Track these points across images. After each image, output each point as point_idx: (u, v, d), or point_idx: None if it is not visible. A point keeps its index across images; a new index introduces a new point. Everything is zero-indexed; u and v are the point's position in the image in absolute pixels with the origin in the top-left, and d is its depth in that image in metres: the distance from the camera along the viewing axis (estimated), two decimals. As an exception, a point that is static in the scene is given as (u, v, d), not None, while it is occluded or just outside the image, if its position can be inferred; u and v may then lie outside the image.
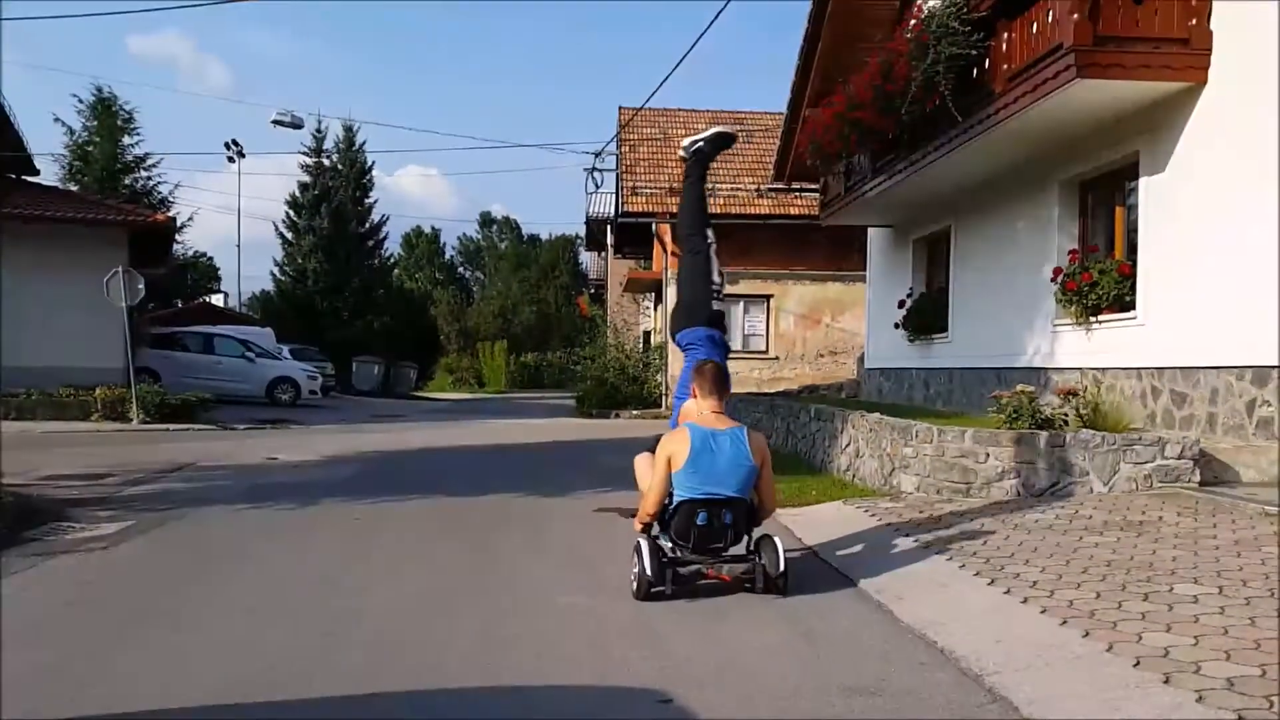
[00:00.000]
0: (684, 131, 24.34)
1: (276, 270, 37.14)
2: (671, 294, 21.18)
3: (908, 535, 5.80)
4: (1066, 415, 7.44)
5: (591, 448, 13.32)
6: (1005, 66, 8.63)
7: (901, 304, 13.61)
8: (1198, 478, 6.84)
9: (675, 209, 21.57)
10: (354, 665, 3.74)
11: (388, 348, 34.07)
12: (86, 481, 9.26)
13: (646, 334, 28.84)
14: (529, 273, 59.35)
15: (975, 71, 9.20)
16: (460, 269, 76.69)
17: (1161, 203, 8.15)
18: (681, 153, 6.02)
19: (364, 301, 35.30)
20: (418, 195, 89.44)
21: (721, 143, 5.97)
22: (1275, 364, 6.85)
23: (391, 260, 43.98)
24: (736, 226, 21.74)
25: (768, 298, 22.16)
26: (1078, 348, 9.29)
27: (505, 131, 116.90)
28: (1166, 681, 3.16)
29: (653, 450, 4.80)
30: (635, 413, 21.02)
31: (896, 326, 13.57)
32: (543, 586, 5.02)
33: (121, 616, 4.52)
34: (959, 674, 3.58)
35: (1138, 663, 3.35)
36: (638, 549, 4.61)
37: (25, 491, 8.07)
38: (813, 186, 16.20)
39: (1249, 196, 7.13)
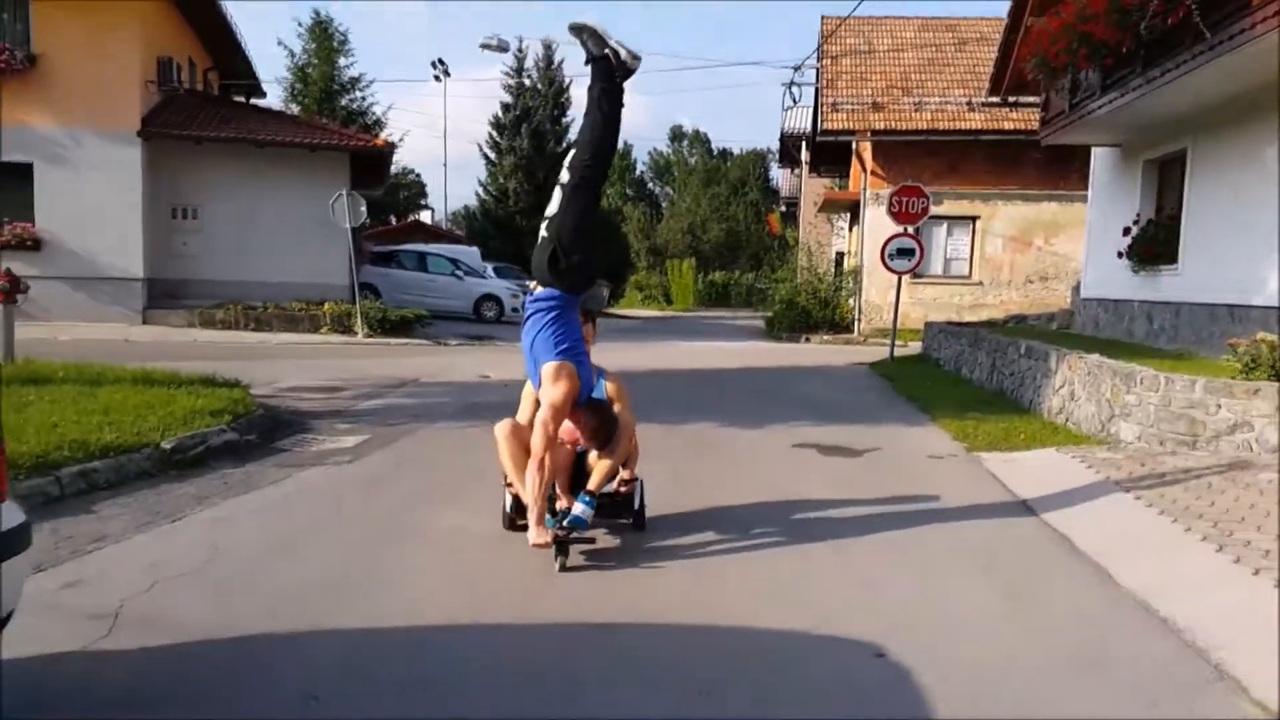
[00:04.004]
0: (890, 44, 23.25)
1: (480, 190, 38.71)
2: (871, 215, 20.58)
3: (1127, 490, 5.58)
4: (1314, 365, 6.81)
5: (783, 375, 13.34)
6: (1266, -28, 7.71)
7: (1127, 231, 12.63)
8: None
9: (879, 125, 20.96)
10: (577, 592, 4.02)
11: (583, 265, 35.00)
12: (323, 394, 10.09)
13: (839, 255, 28.20)
14: (719, 189, 58.77)
15: (1228, -23, 8.28)
16: (649, 185, 77.02)
17: None
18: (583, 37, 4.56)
19: (561, 220, 36.28)
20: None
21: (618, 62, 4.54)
22: None
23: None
24: (943, 143, 20.71)
25: (974, 219, 21.07)
26: (1333, 286, 8.40)
27: (701, 44, 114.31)
28: None
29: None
30: (826, 337, 20.76)
31: (1120, 255, 12.63)
32: (746, 525, 5.10)
33: (372, 533, 4.98)
34: (1182, 646, 3.50)
35: (1391, 654, 3.16)
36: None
37: (271, 403, 8.99)
38: (1031, 100, 15.16)
39: None
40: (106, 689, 3.09)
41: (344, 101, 33.42)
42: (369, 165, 20.70)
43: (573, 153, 4.59)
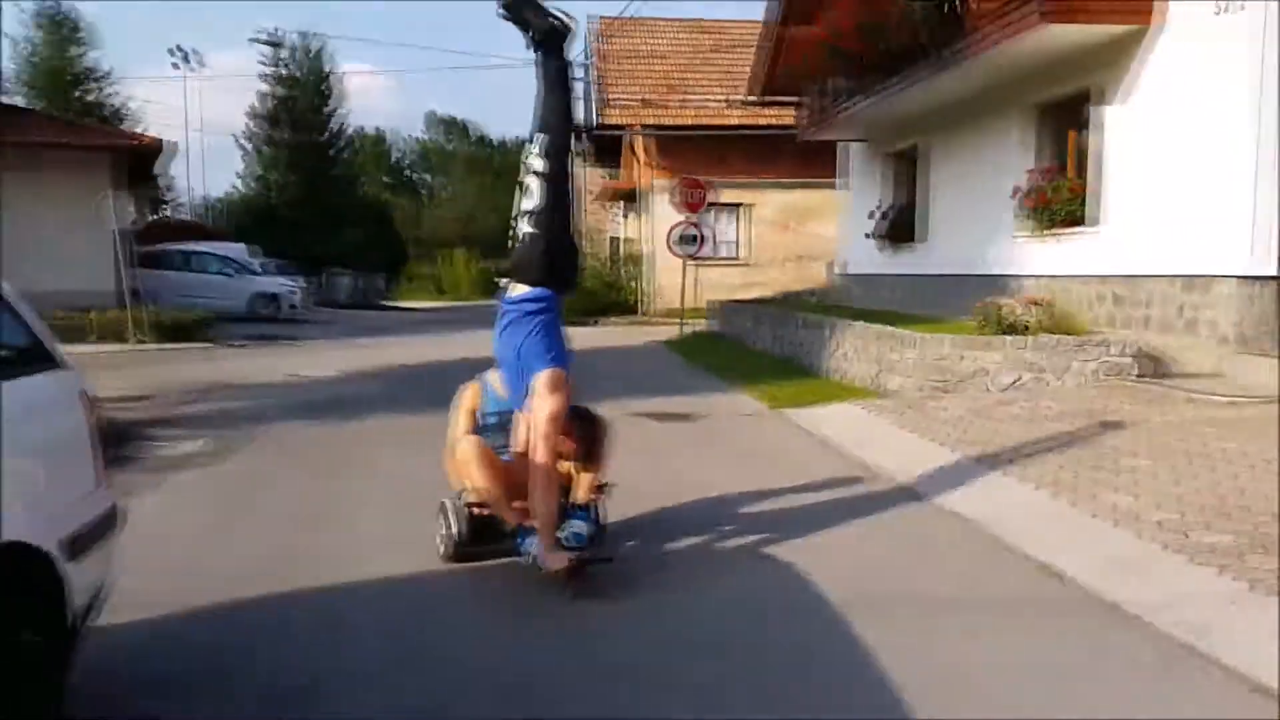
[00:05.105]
0: (655, 46, 24.76)
1: (240, 183, 37.02)
2: (656, 203, 21.95)
3: (904, 428, 7.02)
4: (1028, 321, 8.65)
5: (592, 356, 14.11)
6: (977, 5, 9.53)
7: (872, 214, 14.64)
8: (1136, 371, 8.12)
9: (649, 120, 22.37)
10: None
11: (357, 259, 34.41)
12: (133, 403, 9.54)
13: (614, 240, 29.64)
14: (486, 178, 58.80)
15: (949, 6, 10.07)
16: (407, 172, 74.99)
17: (1111, 129, 9.23)
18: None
19: (331, 213, 35.40)
20: (355, 95, 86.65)
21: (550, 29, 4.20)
22: (1200, 273, 8.06)
23: (357, 170, 43.68)
24: (711, 138, 22.43)
25: (739, 206, 23.05)
26: (1036, 257, 10.43)
27: (459, 32, 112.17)
28: (1115, 525, 4.41)
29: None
30: (615, 319, 22.02)
31: (868, 236, 14.64)
32: (626, 483, 5.92)
33: (299, 511, 5.38)
34: (988, 539, 4.74)
35: (1095, 514, 4.59)
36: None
37: (85, 414, 8.68)
38: (786, 100, 16.99)
39: (1185, 128, 8.22)
40: (129, 657, 3.51)
41: (77, 94, 30.85)
42: (134, 164, 19.59)
43: (542, 138, 4.14)
